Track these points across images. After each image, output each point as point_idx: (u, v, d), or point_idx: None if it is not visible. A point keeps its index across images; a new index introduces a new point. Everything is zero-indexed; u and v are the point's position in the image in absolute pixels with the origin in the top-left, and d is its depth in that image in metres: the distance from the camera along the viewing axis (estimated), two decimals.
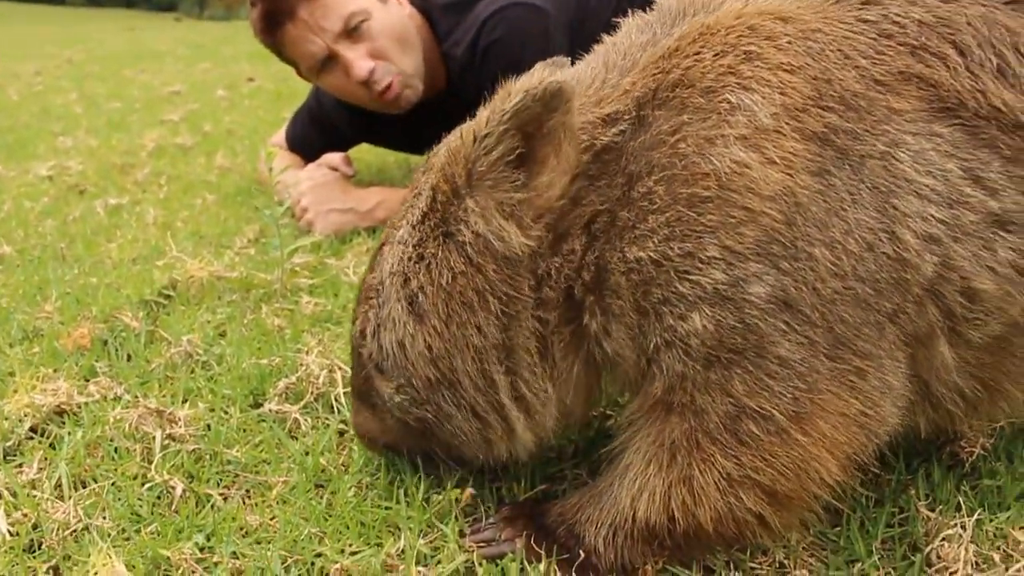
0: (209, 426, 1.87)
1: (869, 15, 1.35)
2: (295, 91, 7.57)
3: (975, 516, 1.51)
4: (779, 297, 1.26)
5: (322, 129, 3.70)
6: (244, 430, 1.87)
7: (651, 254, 1.28)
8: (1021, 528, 1.50)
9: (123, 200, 3.92)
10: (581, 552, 1.41)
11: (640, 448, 1.39)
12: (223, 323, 2.46)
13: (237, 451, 1.78)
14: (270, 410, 1.93)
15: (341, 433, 1.85)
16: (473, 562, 1.42)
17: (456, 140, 1.38)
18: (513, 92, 1.26)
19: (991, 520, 1.54)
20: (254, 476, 1.71)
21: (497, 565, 1.41)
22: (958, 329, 1.36)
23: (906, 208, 1.27)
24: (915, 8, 1.34)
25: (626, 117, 1.33)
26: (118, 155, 4.93)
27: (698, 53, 1.33)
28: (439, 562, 1.42)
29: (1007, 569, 1.40)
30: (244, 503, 1.63)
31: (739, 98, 1.28)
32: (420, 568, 1.40)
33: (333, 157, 3.43)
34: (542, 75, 1.25)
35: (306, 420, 1.89)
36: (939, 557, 1.45)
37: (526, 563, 1.41)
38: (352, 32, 2.99)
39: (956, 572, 1.40)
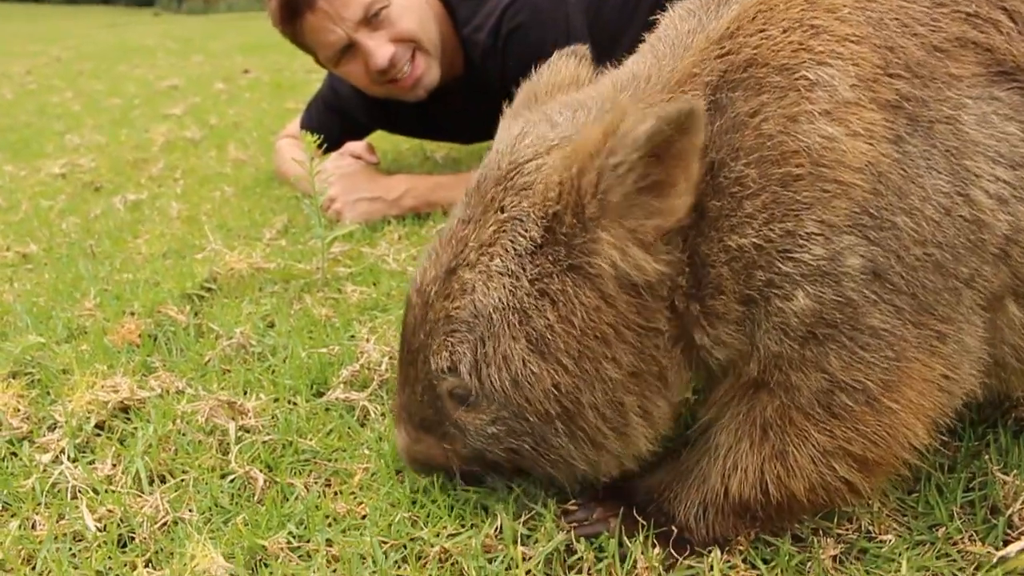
0: (277, 416, 1.88)
1: None
2: (293, 83, 7.56)
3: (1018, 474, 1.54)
4: (870, 268, 1.26)
5: (339, 117, 3.69)
6: (313, 419, 1.88)
7: (752, 239, 1.27)
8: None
9: (142, 196, 3.90)
10: (674, 528, 1.43)
11: (730, 427, 1.40)
12: (269, 314, 2.46)
13: (311, 440, 1.79)
14: (336, 399, 1.93)
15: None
16: (572, 540, 1.43)
17: (562, 164, 1.29)
18: (634, 114, 1.20)
19: None
20: (332, 464, 1.71)
21: (593, 543, 1.42)
22: (1011, 302, 1.38)
23: (977, 170, 1.28)
24: None
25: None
26: (129, 151, 4.91)
27: (763, 31, 1.32)
28: (536, 541, 1.44)
29: None
30: (326, 492, 1.63)
31: (817, 74, 1.27)
32: (521, 548, 1.41)
33: (356, 145, 3.42)
34: (678, 102, 1.19)
35: (374, 407, 1.90)
36: (1022, 519, 1.47)
37: (625, 539, 1.42)
38: (372, 19, 2.98)
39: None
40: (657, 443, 1.43)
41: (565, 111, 1.42)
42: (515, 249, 1.31)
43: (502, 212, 1.34)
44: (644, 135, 1.17)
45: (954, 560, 1.41)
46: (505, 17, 3.06)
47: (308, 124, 3.81)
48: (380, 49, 2.98)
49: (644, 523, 1.43)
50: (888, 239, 1.25)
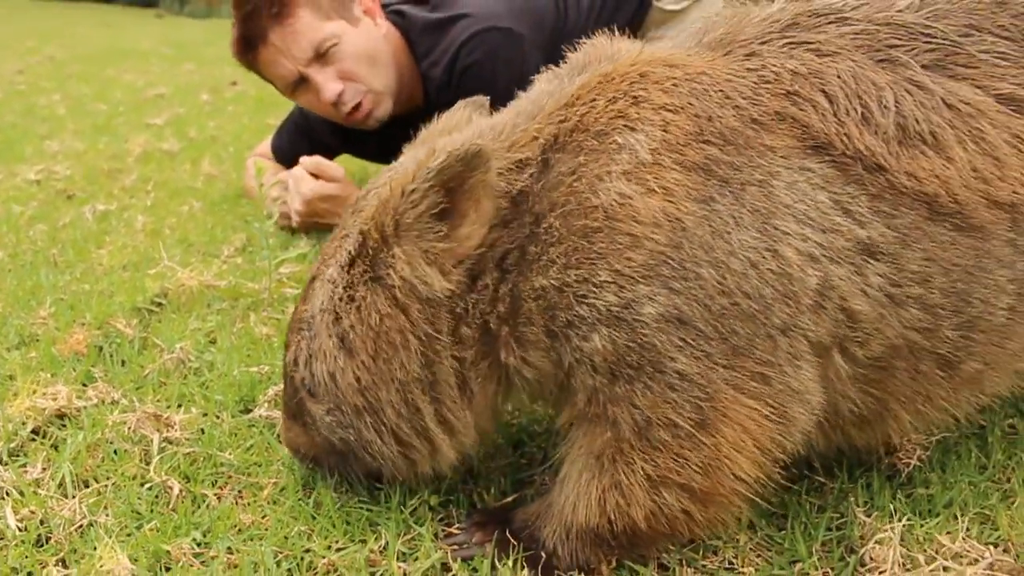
0: (203, 430, 2.00)
1: (751, 64, 1.54)
2: (277, 98, 7.64)
3: (903, 521, 1.67)
4: (672, 315, 1.41)
5: (307, 140, 3.81)
6: (236, 434, 2.00)
7: (553, 281, 1.44)
8: (947, 533, 1.65)
9: (111, 206, 4.02)
10: (543, 554, 1.56)
11: (573, 458, 1.55)
12: (213, 331, 2.58)
13: (230, 454, 1.91)
14: (260, 416, 2.06)
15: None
16: (448, 560, 1.56)
17: (385, 190, 1.51)
18: (438, 151, 1.40)
19: (921, 525, 1.70)
20: (246, 478, 1.84)
21: (469, 564, 1.55)
22: (846, 345, 1.53)
23: (786, 229, 1.44)
24: (791, 61, 1.53)
25: (534, 161, 1.49)
26: (105, 160, 5.03)
27: (594, 100, 1.50)
28: (416, 559, 1.56)
29: (930, 569, 1.54)
30: (237, 503, 1.76)
31: (625, 138, 1.45)
32: (400, 564, 1.54)
33: (312, 160, 3.51)
34: (465, 137, 1.40)
35: None
36: (871, 559, 1.60)
37: (496, 562, 1.54)
38: (322, 56, 3.12)
39: (885, 572, 1.55)
40: (467, 452, 1.63)
41: (421, 149, 1.63)
42: (339, 261, 1.56)
43: (344, 230, 1.61)
44: (435, 168, 1.40)
45: None
46: (460, 54, 3.19)
47: (278, 145, 3.94)
48: (328, 84, 3.12)
49: (516, 547, 1.56)
50: (692, 289, 1.40)
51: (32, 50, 12.53)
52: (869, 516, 1.72)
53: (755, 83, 1.51)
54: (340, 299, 1.54)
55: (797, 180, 1.45)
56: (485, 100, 1.84)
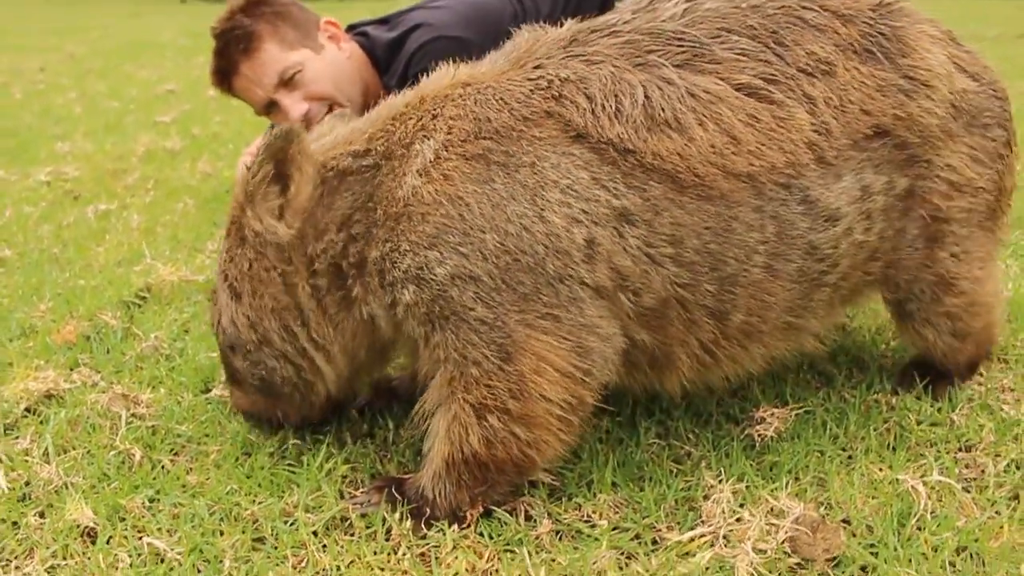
0: (166, 407, 2.36)
1: (532, 75, 1.93)
2: None
3: (743, 483, 2.00)
4: (462, 273, 1.80)
5: None
6: (193, 410, 2.36)
7: (379, 252, 1.87)
8: (771, 492, 1.97)
9: (112, 205, 4.39)
10: (427, 508, 1.91)
11: (432, 401, 1.93)
12: (188, 321, 2.94)
13: (186, 427, 2.27)
14: (215, 395, 2.42)
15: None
16: (348, 514, 1.91)
17: (242, 171, 1.98)
18: (266, 134, 1.86)
19: (760, 487, 2.02)
20: (197, 446, 2.20)
21: (365, 517, 1.90)
22: (625, 292, 1.90)
23: (552, 199, 1.82)
24: (564, 70, 1.92)
25: (368, 156, 1.91)
26: (111, 160, 5.40)
27: (409, 117, 1.93)
28: (322, 511, 1.91)
29: (749, 521, 1.86)
30: (187, 467, 2.11)
31: (420, 145, 1.87)
32: (308, 515, 1.89)
33: None
34: (287, 123, 1.88)
35: None
36: (706, 514, 1.92)
37: (387, 515, 1.89)
38: (288, 82, 3.51)
39: (713, 523, 1.87)
40: (341, 370, 2.06)
41: None
42: (225, 232, 2.03)
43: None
44: (263, 145, 1.85)
45: (645, 543, 1.87)
46: (412, 63, 3.52)
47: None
48: (295, 106, 3.49)
49: (403, 502, 1.91)
50: (477, 251, 1.80)
51: (53, 47, 12.97)
52: (719, 480, 2.05)
53: (530, 90, 1.90)
54: (225, 260, 2.00)
55: (561, 162, 1.84)
56: (347, 111, 2.31)
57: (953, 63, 2.19)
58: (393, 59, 3.65)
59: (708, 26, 1.99)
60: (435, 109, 1.92)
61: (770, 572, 1.74)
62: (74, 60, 11.39)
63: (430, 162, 1.84)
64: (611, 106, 1.88)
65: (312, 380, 2.05)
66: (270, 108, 3.60)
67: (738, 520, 1.88)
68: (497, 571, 1.76)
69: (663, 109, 1.88)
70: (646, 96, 1.89)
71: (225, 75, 3.58)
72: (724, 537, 1.83)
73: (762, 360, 2.17)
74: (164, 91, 8.31)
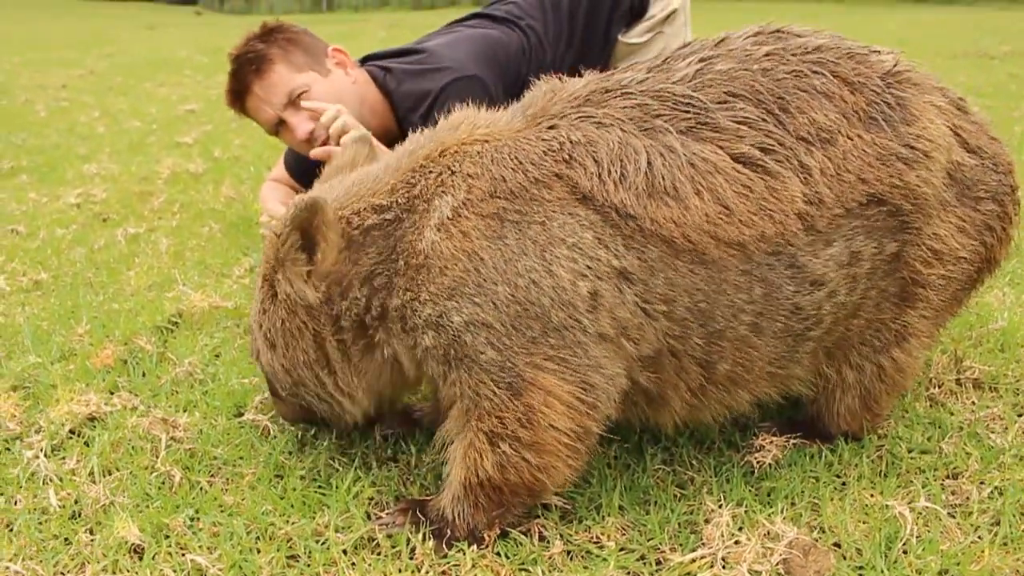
0: (201, 431, 2.52)
1: (545, 136, 2.07)
2: None
3: (743, 507, 2.15)
4: (476, 320, 1.96)
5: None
6: (228, 434, 2.52)
7: (401, 300, 2.02)
8: (768, 517, 2.12)
9: (140, 229, 4.56)
10: (447, 529, 2.06)
11: (451, 437, 2.10)
12: (219, 346, 3.11)
13: (221, 450, 2.43)
14: (248, 419, 2.58)
15: (299, 437, 2.49)
16: (375, 534, 2.06)
17: (271, 235, 2.11)
18: (292, 205, 2.01)
19: (758, 511, 2.17)
20: (232, 468, 2.35)
21: (391, 538, 2.06)
22: (627, 338, 2.06)
23: (559, 255, 1.97)
24: (576, 132, 2.06)
25: (391, 210, 2.05)
26: (137, 182, 5.58)
27: (429, 171, 2.06)
28: (350, 531, 2.07)
29: (746, 544, 2.01)
30: (223, 488, 2.27)
31: (439, 200, 2.01)
32: (338, 535, 2.05)
33: None
34: (309, 193, 2.05)
35: (274, 426, 2.54)
36: (706, 537, 2.07)
37: (411, 535, 2.05)
38: (296, 101, 3.74)
39: (712, 545, 2.02)
40: (368, 407, 2.25)
41: (325, 185, 2.28)
42: (258, 284, 2.21)
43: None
44: (288, 216, 2.01)
45: (650, 563, 2.02)
46: (436, 103, 3.70)
47: (288, 160, 4.45)
48: (301, 125, 3.72)
49: (426, 523, 2.06)
50: (490, 301, 1.95)
51: (74, 61, 13.21)
52: (719, 504, 2.19)
53: (543, 151, 2.05)
54: (259, 312, 2.18)
55: (568, 221, 1.99)
56: (368, 134, 2.53)
57: (955, 135, 2.29)
58: (409, 92, 3.84)
59: (716, 90, 2.12)
60: (454, 165, 2.06)
61: None
62: (95, 76, 11.62)
63: (448, 219, 1.98)
64: (616, 171, 2.02)
65: (342, 413, 2.26)
66: (279, 127, 3.84)
67: (736, 543, 2.02)
68: None
69: (663, 177, 2.03)
70: (649, 163, 2.03)
71: (238, 95, 3.86)
72: (723, 559, 1.97)
73: (749, 402, 2.33)
74: (184, 111, 8.51)
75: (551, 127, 2.10)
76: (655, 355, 2.10)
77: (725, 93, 2.11)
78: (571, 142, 2.05)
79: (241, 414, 2.63)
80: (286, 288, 2.08)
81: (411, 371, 2.14)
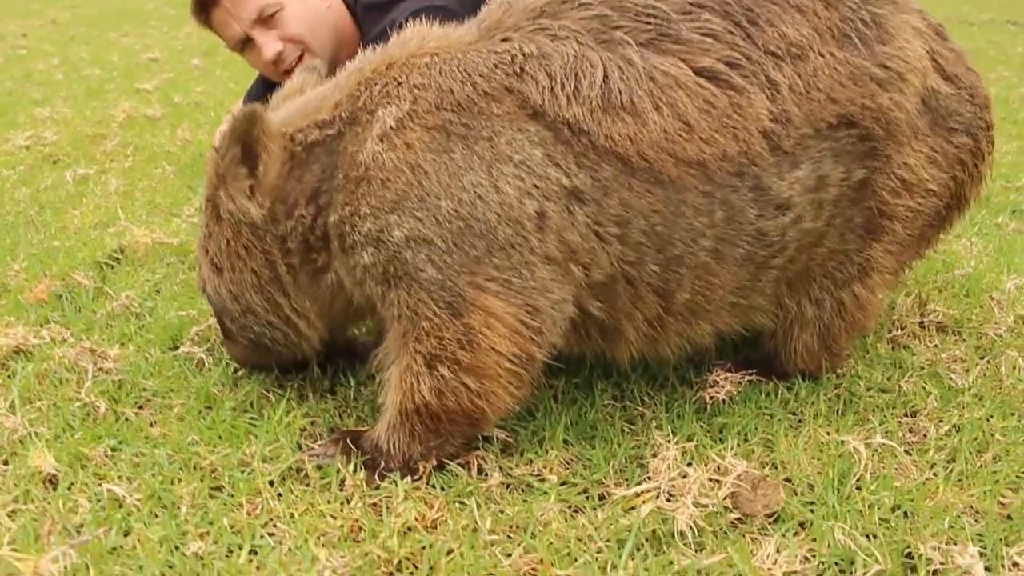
0: (133, 363, 2.41)
1: (498, 48, 1.96)
2: None
3: (679, 442, 2.07)
4: (417, 236, 1.85)
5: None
6: (160, 366, 2.41)
7: (340, 216, 1.92)
8: (718, 452, 2.03)
9: (91, 170, 4.42)
10: (381, 460, 1.96)
11: (389, 355, 1.99)
12: (160, 282, 2.99)
13: (152, 382, 2.32)
14: (183, 352, 2.47)
15: (234, 370, 2.38)
16: (304, 465, 1.96)
17: (211, 152, 2.04)
18: (231, 117, 1.90)
19: (708, 446, 2.08)
20: (161, 400, 2.24)
21: (320, 468, 1.96)
22: (576, 263, 1.95)
23: (506, 171, 1.87)
24: (530, 44, 1.95)
25: (334, 125, 1.95)
26: (91, 126, 5.41)
27: (375, 83, 1.96)
28: (278, 460, 1.97)
29: (694, 478, 1.92)
30: (151, 420, 2.16)
31: (382, 112, 1.90)
32: (265, 465, 1.95)
33: None
34: (248, 107, 1.91)
35: (209, 358, 2.43)
36: (652, 471, 1.98)
37: (341, 466, 1.95)
38: (266, 20, 3.54)
39: (659, 479, 1.93)
40: (322, 332, 2.16)
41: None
42: (202, 207, 2.12)
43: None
44: (228, 128, 1.92)
45: (592, 497, 1.93)
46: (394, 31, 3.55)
47: (253, 94, 4.30)
48: (268, 45, 3.53)
49: (357, 454, 1.97)
50: (431, 217, 1.85)
51: (37, 12, 12.90)
52: (667, 439, 2.10)
53: (494, 64, 1.94)
54: (205, 235, 2.09)
55: (516, 137, 1.89)
56: (317, 63, 2.36)
57: (932, 59, 2.19)
58: (375, 23, 3.68)
59: (680, 0, 1.99)
60: (401, 76, 1.95)
61: (709, 526, 1.80)
62: (57, 26, 11.34)
63: (392, 129, 1.89)
64: (570, 85, 1.91)
65: (297, 341, 2.15)
66: (244, 45, 3.63)
67: (683, 477, 1.94)
68: (446, 520, 1.81)
69: (620, 91, 1.91)
70: (605, 77, 1.92)
71: (204, 6, 3.59)
72: (668, 492, 1.88)
73: (710, 335, 2.23)
74: (147, 59, 8.30)
75: (504, 39, 1.98)
76: (608, 282, 2.00)
77: (690, 3, 1.99)
78: (524, 55, 1.94)
79: (176, 347, 2.52)
80: (229, 206, 1.99)
81: (356, 296, 2.04)
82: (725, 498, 1.87)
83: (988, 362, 2.59)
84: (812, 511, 1.88)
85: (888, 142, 2.13)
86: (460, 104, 1.90)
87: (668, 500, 1.86)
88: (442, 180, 1.86)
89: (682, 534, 1.76)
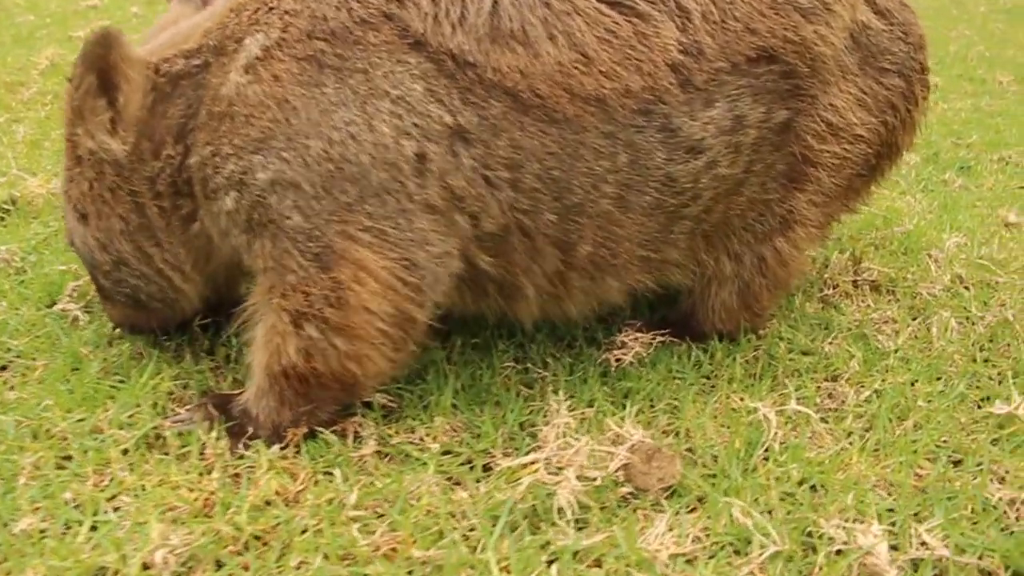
0: (2, 321, 2.22)
1: None
2: None
3: (579, 408, 1.93)
4: (284, 179, 1.69)
5: None
6: (32, 325, 2.23)
7: (200, 157, 1.74)
8: (619, 420, 1.89)
9: (1, 119, 4.18)
10: (250, 427, 1.80)
11: (253, 310, 1.83)
12: (51, 235, 2.79)
13: (19, 341, 2.14)
14: (58, 309, 2.29)
15: (111, 328, 2.20)
16: (163, 431, 1.80)
17: (65, 84, 1.83)
18: (83, 42, 1.71)
19: (607, 413, 1.94)
20: (24, 362, 2.07)
21: (181, 435, 1.80)
22: (462, 213, 1.78)
23: (382, 108, 1.69)
24: None
25: (201, 54, 1.78)
26: (10, 73, 5.15)
27: (245, 8, 1.79)
28: (135, 427, 1.81)
29: (584, 446, 1.77)
30: (10, 384, 1.99)
31: (249, 40, 1.73)
32: (121, 431, 1.79)
33: None
34: (99, 28, 1.71)
35: (86, 316, 2.25)
36: (543, 439, 1.84)
37: (203, 434, 1.79)
38: None
39: (546, 448, 1.79)
40: (199, 287, 1.98)
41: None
42: (64, 150, 1.90)
43: None
44: (80, 57, 1.73)
45: (476, 468, 1.78)
46: None
47: None
48: None
49: (220, 420, 1.81)
50: (299, 158, 1.68)
51: None
52: (567, 406, 1.95)
53: None
54: (67, 180, 1.89)
55: (395, 70, 1.71)
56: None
57: None
58: None
59: None
60: (272, 1, 1.77)
61: (597, 501, 1.67)
62: None
63: (258, 59, 1.72)
64: (456, 12, 1.74)
65: (175, 297, 1.98)
66: None
67: (572, 447, 1.79)
68: (308, 494, 1.66)
69: (511, 19, 1.74)
70: (495, 3, 1.75)
71: None
72: (557, 464, 1.74)
73: (620, 292, 2.08)
74: (86, 7, 7.96)
75: None
76: (502, 233, 1.84)
77: None
78: None
79: (53, 304, 2.34)
80: (88, 143, 1.81)
81: (224, 247, 1.87)
82: (617, 470, 1.74)
83: (920, 323, 2.47)
84: (713, 485, 1.75)
85: (813, 81, 1.97)
86: (334, 32, 1.72)
87: (553, 473, 1.71)
88: (312, 117, 1.69)
89: (562, 511, 1.62)
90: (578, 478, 1.68)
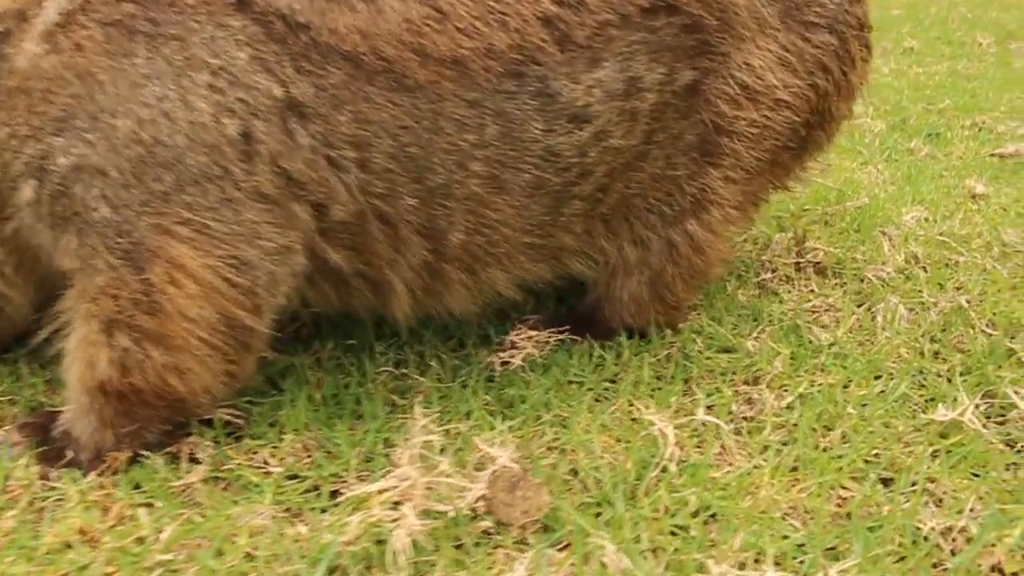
0: None
1: None
2: None
3: (449, 421, 1.68)
4: (88, 165, 1.42)
5: None
6: None
7: None
8: (491, 436, 1.64)
9: None
10: (70, 450, 1.55)
11: (65, 317, 1.56)
12: None
13: None
14: None
15: None
16: None
17: None
18: None
19: (485, 427, 1.69)
20: None
21: None
22: (301, 201, 1.54)
23: (199, 80, 1.42)
24: None
25: (3, 21, 1.49)
26: None
27: None
28: None
29: (440, 471, 1.52)
30: None
31: (48, 3, 1.46)
32: None
33: None
34: None
35: None
36: (394, 462, 1.57)
37: (10, 461, 1.54)
38: None
39: (402, 463, 1.53)
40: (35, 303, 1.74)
41: None
42: None
43: None
44: None
45: (322, 496, 1.53)
46: None
47: None
48: None
49: (37, 442, 1.57)
50: (105, 140, 1.41)
51: None
52: (436, 421, 1.70)
53: None
54: None
55: (216, 35, 1.44)
56: None
57: None
58: None
59: None
60: None
61: (450, 540, 1.41)
62: None
63: (57, 26, 1.45)
64: None
65: (0, 305, 1.74)
66: None
67: (427, 466, 1.54)
68: (113, 533, 1.42)
69: None
70: None
71: None
72: (401, 495, 1.48)
73: (509, 285, 1.82)
74: None
75: None
76: (356, 222, 1.58)
77: None
78: None
79: None
80: None
81: (34, 246, 1.61)
82: (477, 500, 1.48)
83: (865, 311, 2.22)
84: (593, 516, 1.49)
85: (724, 36, 1.71)
86: None
87: (393, 507, 1.46)
88: (120, 93, 1.43)
89: (396, 555, 1.36)
90: (424, 512, 1.43)
